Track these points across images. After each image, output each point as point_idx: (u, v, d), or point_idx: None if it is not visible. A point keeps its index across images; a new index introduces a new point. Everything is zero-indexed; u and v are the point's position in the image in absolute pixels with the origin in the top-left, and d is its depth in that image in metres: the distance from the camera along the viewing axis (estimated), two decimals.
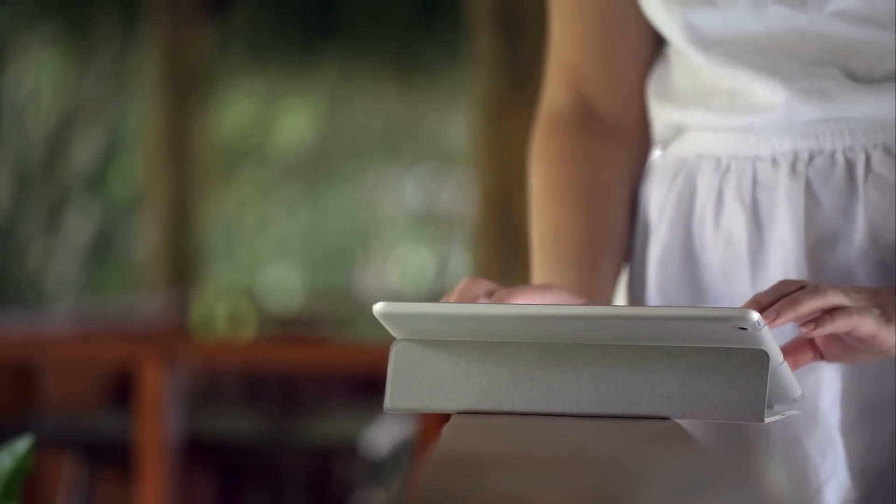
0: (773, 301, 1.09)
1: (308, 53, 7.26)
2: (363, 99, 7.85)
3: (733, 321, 1.00)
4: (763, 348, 1.02)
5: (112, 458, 3.95)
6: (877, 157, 1.27)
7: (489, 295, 1.17)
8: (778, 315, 1.08)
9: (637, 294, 1.38)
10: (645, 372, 1.04)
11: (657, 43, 1.40)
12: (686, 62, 1.35)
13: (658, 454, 0.94)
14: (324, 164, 8.31)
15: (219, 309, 4.29)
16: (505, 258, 4.00)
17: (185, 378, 3.95)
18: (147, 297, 5.84)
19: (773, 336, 1.03)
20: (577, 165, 1.37)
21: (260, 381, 4.50)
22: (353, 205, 8.56)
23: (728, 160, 1.32)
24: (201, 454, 4.04)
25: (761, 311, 1.07)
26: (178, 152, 5.92)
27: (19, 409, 4.25)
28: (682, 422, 1.04)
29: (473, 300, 1.16)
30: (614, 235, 1.36)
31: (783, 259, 1.28)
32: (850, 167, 1.28)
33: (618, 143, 1.40)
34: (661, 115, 1.38)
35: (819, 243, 1.27)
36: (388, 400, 1.08)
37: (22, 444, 1.23)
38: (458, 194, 7.76)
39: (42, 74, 6.70)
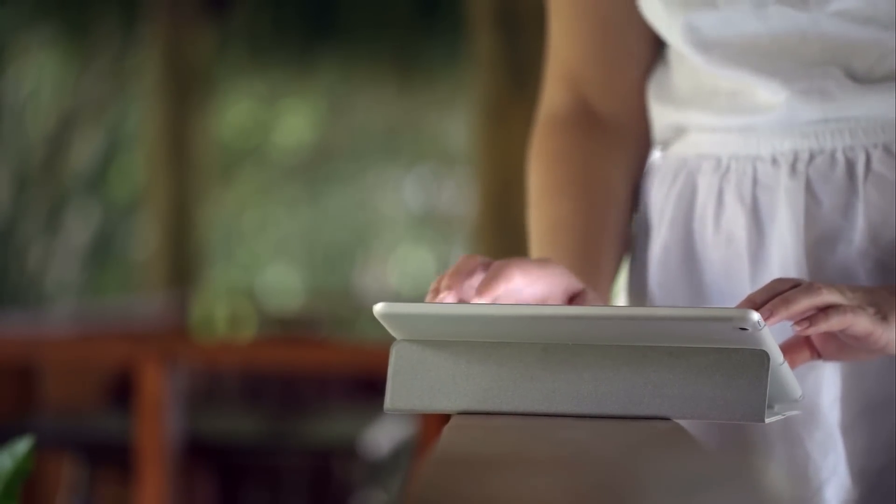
0: (767, 300, 1.09)
1: (308, 54, 7.26)
2: (363, 99, 7.85)
3: (733, 321, 1.00)
4: (763, 348, 1.02)
5: (112, 458, 3.95)
6: (877, 156, 1.27)
7: (485, 267, 1.16)
8: (771, 313, 1.08)
9: (637, 294, 1.38)
10: (645, 372, 1.04)
11: (655, 44, 1.40)
12: (686, 63, 1.35)
13: (658, 455, 0.94)
14: (324, 165, 8.31)
15: (219, 309, 4.30)
16: (505, 258, 4.00)
17: (185, 378, 3.95)
18: (147, 298, 5.84)
19: (773, 336, 1.03)
20: (576, 162, 1.38)
21: (260, 382, 4.50)
22: (352, 205, 8.56)
23: (728, 160, 1.32)
24: (201, 455, 4.04)
25: (755, 310, 1.07)
26: (178, 153, 5.92)
27: (19, 409, 4.25)
28: (682, 422, 1.04)
29: (470, 274, 1.15)
30: (613, 230, 1.36)
31: (783, 259, 1.28)
32: (850, 167, 1.28)
33: (617, 142, 1.40)
34: (662, 117, 1.38)
35: (819, 243, 1.27)
36: (389, 400, 1.08)
37: (22, 445, 1.23)
38: (458, 194, 7.76)
39: (42, 75, 6.70)
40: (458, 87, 6.66)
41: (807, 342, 1.17)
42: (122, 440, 3.71)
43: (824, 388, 1.27)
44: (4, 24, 6.51)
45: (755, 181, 1.30)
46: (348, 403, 4.42)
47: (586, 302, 1.19)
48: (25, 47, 6.56)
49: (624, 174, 1.39)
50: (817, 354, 1.17)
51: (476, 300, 1.13)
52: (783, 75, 1.28)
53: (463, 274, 1.15)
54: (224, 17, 6.50)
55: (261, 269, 8.65)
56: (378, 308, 1.06)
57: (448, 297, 1.14)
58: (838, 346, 1.16)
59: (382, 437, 4.06)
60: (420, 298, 1.18)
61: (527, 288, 1.17)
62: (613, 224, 1.36)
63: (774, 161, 1.30)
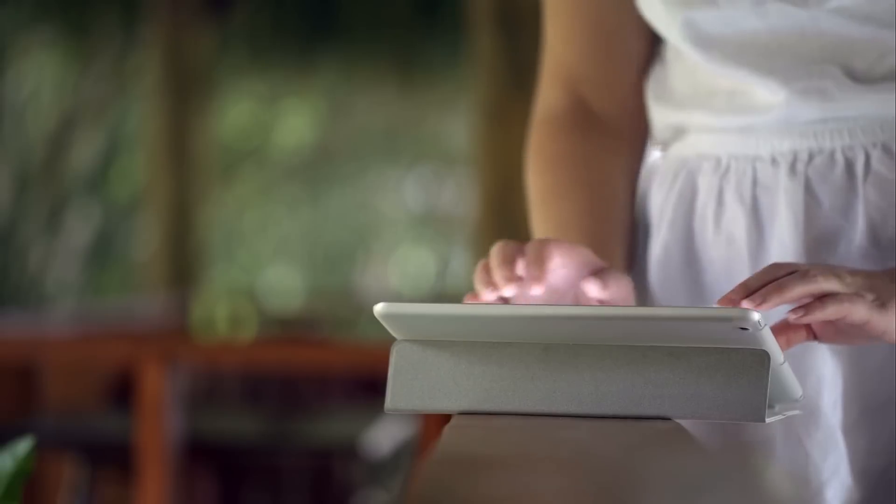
0: (762, 286, 1.09)
1: (308, 54, 7.26)
2: (363, 100, 7.85)
3: (734, 321, 1.00)
4: (764, 348, 1.02)
5: (113, 458, 3.95)
6: (876, 156, 1.27)
7: (521, 251, 1.16)
8: (764, 300, 1.07)
9: (638, 294, 1.38)
10: (646, 372, 1.04)
11: (651, 43, 1.40)
12: (684, 63, 1.35)
13: (659, 455, 0.94)
14: (324, 165, 8.31)
15: (219, 310, 4.29)
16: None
17: (185, 379, 3.95)
18: (147, 298, 5.84)
19: (772, 336, 1.03)
20: (578, 164, 1.37)
21: (260, 382, 4.50)
22: (353, 205, 8.56)
23: (728, 160, 1.32)
24: (202, 455, 4.04)
25: (748, 295, 1.06)
26: (178, 153, 5.92)
27: (20, 410, 4.25)
28: (682, 422, 1.04)
29: (514, 262, 1.15)
30: (620, 229, 1.36)
31: (783, 258, 1.28)
32: (849, 166, 1.28)
33: (616, 143, 1.40)
34: (661, 117, 1.38)
35: (819, 242, 1.27)
36: (389, 400, 1.08)
37: (23, 446, 1.23)
38: (459, 195, 7.76)
39: (42, 75, 6.70)
40: (458, 87, 6.66)
41: (804, 324, 1.16)
42: (122, 440, 3.71)
43: (825, 388, 1.27)
44: (4, 24, 6.51)
45: (755, 181, 1.30)
46: (349, 403, 4.42)
47: (611, 276, 1.19)
48: (26, 48, 6.56)
49: (624, 175, 1.39)
50: (814, 336, 1.16)
51: (534, 289, 1.14)
52: (782, 74, 1.28)
53: (510, 263, 1.15)
54: (224, 18, 6.50)
55: (261, 269, 8.65)
56: (378, 308, 1.06)
57: (508, 291, 1.14)
58: (836, 330, 1.16)
59: (383, 437, 4.06)
60: (420, 299, 1.18)
61: (560, 268, 1.17)
62: (619, 226, 1.36)
63: (774, 161, 1.30)
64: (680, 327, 1.02)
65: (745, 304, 1.07)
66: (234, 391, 4.51)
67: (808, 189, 1.28)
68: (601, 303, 1.19)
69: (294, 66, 7.54)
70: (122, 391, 4.10)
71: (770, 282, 1.09)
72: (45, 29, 6.61)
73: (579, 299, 1.19)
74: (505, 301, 1.16)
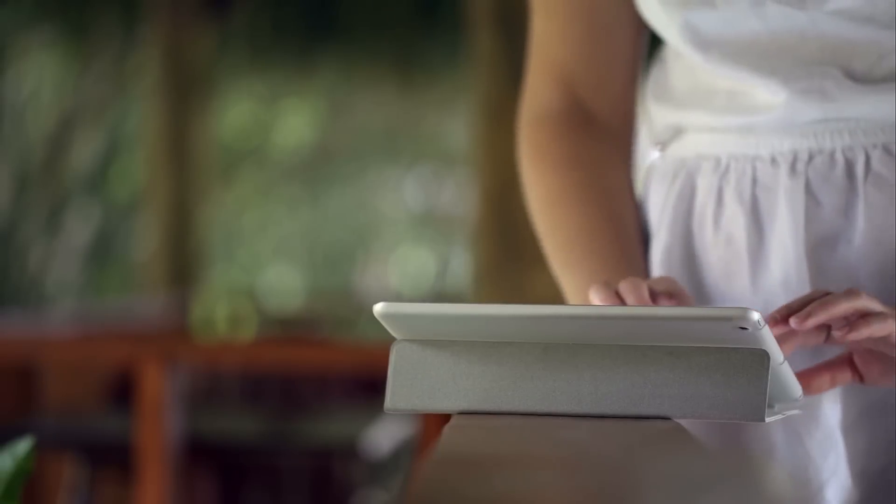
0: (805, 304, 1.09)
1: (308, 54, 7.26)
2: (363, 99, 7.85)
3: (733, 321, 1.00)
4: (763, 348, 1.02)
5: (113, 458, 3.95)
6: (876, 156, 1.27)
7: (671, 297, 1.15)
8: (809, 315, 1.07)
9: None
10: (645, 372, 1.04)
11: (641, 44, 1.40)
12: (684, 63, 1.35)
13: (659, 454, 0.94)
14: (324, 165, 8.31)
15: (219, 309, 4.30)
16: (505, 258, 4.00)
17: (185, 379, 3.95)
18: (147, 298, 5.84)
19: (772, 336, 1.03)
20: (584, 166, 1.37)
21: (260, 382, 4.50)
22: (353, 205, 8.56)
23: (728, 160, 1.32)
24: (202, 455, 4.04)
25: (792, 314, 1.06)
26: (178, 153, 5.92)
27: (20, 410, 4.25)
28: (682, 422, 1.04)
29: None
30: (635, 232, 1.36)
31: (783, 259, 1.28)
32: (849, 167, 1.28)
33: (612, 144, 1.40)
34: (660, 116, 1.38)
35: (819, 243, 1.27)
36: (389, 400, 1.08)
37: (23, 446, 1.23)
38: (458, 195, 7.76)
39: (42, 75, 6.70)
40: (458, 87, 6.66)
41: (849, 363, 1.16)
42: (122, 440, 3.71)
43: None
44: (4, 24, 6.51)
45: (754, 181, 1.30)
46: (348, 403, 4.42)
47: (680, 303, 1.18)
48: (26, 48, 6.56)
49: (626, 175, 1.39)
50: (859, 377, 1.16)
51: None
52: (782, 75, 1.28)
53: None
54: (224, 18, 6.49)
55: (261, 269, 8.65)
56: (378, 308, 1.06)
57: None
58: (881, 370, 1.15)
59: (383, 436, 4.06)
60: (420, 299, 1.18)
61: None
62: (632, 229, 1.36)
63: (774, 161, 1.30)
64: (679, 327, 1.02)
65: (792, 321, 1.07)
66: (233, 391, 4.51)
67: (809, 189, 1.28)
68: None
69: (294, 66, 7.55)
70: (122, 391, 4.10)
71: (813, 300, 1.09)
72: (45, 29, 6.61)
73: None
74: None
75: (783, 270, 1.28)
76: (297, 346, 3.93)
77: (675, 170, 1.36)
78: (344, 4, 6.90)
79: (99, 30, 6.54)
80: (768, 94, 1.29)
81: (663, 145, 1.39)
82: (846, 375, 1.16)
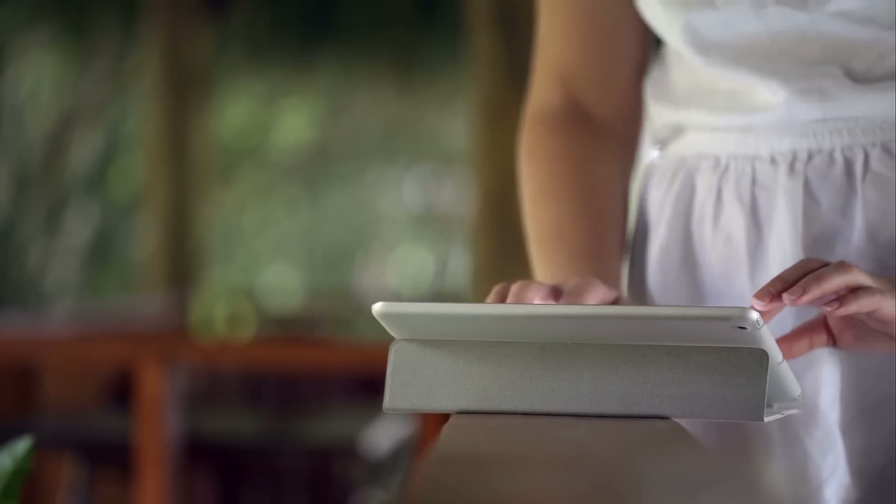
0: (799, 278, 1.09)
1: (307, 54, 7.26)
2: (362, 99, 7.85)
3: (732, 320, 1.00)
4: (762, 347, 1.02)
5: (112, 458, 3.95)
6: (875, 156, 1.27)
7: (550, 297, 1.15)
8: (804, 291, 1.07)
9: (636, 293, 1.38)
10: (644, 371, 1.04)
11: (647, 44, 1.40)
12: (684, 63, 1.35)
13: (657, 454, 0.94)
14: (323, 165, 8.31)
15: (218, 309, 4.30)
16: (504, 258, 4.00)
17: (184, 378, 3.95)
18: (147, 298, 5.84)
19: (771, 335, 1.03)
20: (573, 162, 1.37)
21: (259, 382, 4.50)
22: (352, 205, 8.56)
23: (727, 160, 1.32)
24: (201, 455, 4.04)
25: (786, 289, 1.07)
26: (177, 153, 5.92)
27: (19, 409, 4.25)
28: (681, 421, 1.04)
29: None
30: (614, 229, 1.36)
31: (782, 258, 1.28)
32: (848, 166, 1.28)
33: (609, 143, 1.40)
34: (660, 116, 1.38)
35: (818, 242, 1.27)
36: (388, 400, 1.08)
37: (22, 445, 1.23)
38: (457, 194, 7.76)
39: (41, 75, 6.70)
40: (457, 86, 6.66)
41: (825, 326, 1.17)
42: (121, 440, 3.71)
43: (823, 387, 1.27)
44: (4, 24, 6.51)
45: (754, 181, 1.30)
46: (348, 403, 4.42)
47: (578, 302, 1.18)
48: (25, 47, 6.56)
49: (620, 174, 1.39)
50: (832, 341, 1.16)
51: None
52: (782, 75, 1.28)
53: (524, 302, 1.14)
54: (223, 17, 6.50)
55: (260, 268, 8.65)
56: (377, 308, 1.06)
57: None
58: (856, 335, 1.16)
59: (382, 436, 4.06)
60: (419, 298, 1.18)
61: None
62: (614, 225, 1.36)
63: (773, 161, 1.30)
64: (678, 326, 1.02)
65: (785, 296, 1.07)
66: (233, 391, 4.51)
67: (807, 189, 1.28)
68: None
69: (293, 65, 7.54)
70: (121, 391, 4.10)
71: (807, 273, 1.09)
72: (44, 29, 6.61)
73: None
74: None
75: (782, 269, 1.27)
76: (297, 345, 3.93)
77: (674, 169, 1.36)
78: (343, 4, 6.90)
79: (98, 29, 6.54)
80: (768, 94, 1.29)
81: (663, 144, 1.39)
82: (822, 338, 1.16)
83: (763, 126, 1.30)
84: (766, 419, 1.03)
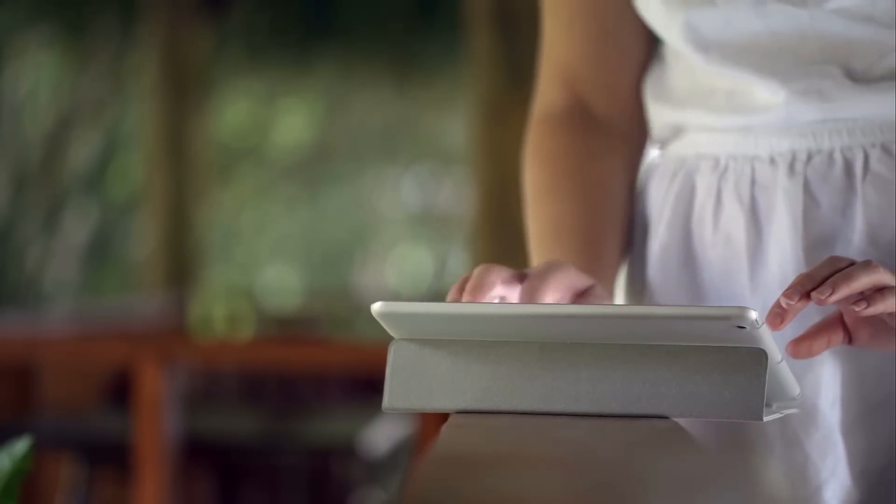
0: (828, 276, 1.08)
1: (306, 53, 7.26)
2: (361, 99, 7.85)
3: (731, 320, 1.00)
4: (761, 347, 1.02)
5: (111, 458, 3.95)
6: (875, 156, 1.27)
7: (506, 280, 1.15)
8: (833, 290, 1.07)
9: (636, 293, 1.38)
10: (643, 371, 1.04)
11: (650, 43, 1.40)
12: (683, 62, 1.35)
13: (657, 453, 0.94)
14: (322, 165, 8.31)
15: (217, 309, 4.29)
16: (504, 258, 4.00)
17: (183, 378, 3.95)
18: (145, 298, 5.84)
19: (770, 335, 1.03)
20: (574, 160, 1.38)
21: (258, 382, 4.50)
22: (351, 205, 8.55)
23: (726, 160, 1.32)
24: (200, 454, 4.04)
25: (815, 287, 1.06)
26: (176, 152, 5.92)
27: (18, 409, 4.25)
28: (680, 421, 1.04)
29: (490, 289, 1.14)
30: (614, 228, 1.36)
31: (782, 258, 1.28)
32: (848, 167, 1.28)
33: (614, 142, 1.40)
34: (659, 116, 1.38)
35: (817, 243, 1.27)
36: (387, 400, 1.08)
37: (20, 445, 1.23)
38: (457, 194, 7.76)
39: (40, 75, 6.70)
40: (456, 86, 6.66)
41: (841, 324, 1.16)
42: (120, 440, 3.71)
43: (823, 389, 1.27)
44: (3, 23, 6.51)
45: (753, 181, 1.30)
46: (347, 403, 4.42)
47: (594, 297, 1.18)
48: (24, 47, 6.56)
49: (621, 174, 1.39)
50: (848, 339, 1.16)
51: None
52: (782, 75, 1.28)
53: (483, 288, 1.14)
54: (222, 17, 6.49)
55: (259, 268, 8.64)
56: (376, 307, 1.06)
57: None
58: (871, 333, 1.15)
59: (381, 436, 4.06)
60: (418, 298, 1.18)
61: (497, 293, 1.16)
62: (614, 223, 1.36)
63: (772, 161, 1.30)
64: (678, 326, 1.02)
65: (814, 294, 1.07)
66: (231, 390, 4.51)
67: (807, 189, 1.28)
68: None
69: (291, 65, 7.54)
70: (120, 390, 4.10)
71: (835, 272, 1.09)
72: (43, 28, 6.61)
73: None
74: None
75: (781, 270, 1.28)
76: (296, 345, 3.93)
77: (674, 169, 1.36)
78: (342, 4, 6.90)
79: (97, 29, 6.54)
80: (767, 95, 1.29)
81: (662, 144, 1.39)
82: (839, 336, 1.15)
83: (762, 126, 1.30)
84: (766, 419, 1.03)
